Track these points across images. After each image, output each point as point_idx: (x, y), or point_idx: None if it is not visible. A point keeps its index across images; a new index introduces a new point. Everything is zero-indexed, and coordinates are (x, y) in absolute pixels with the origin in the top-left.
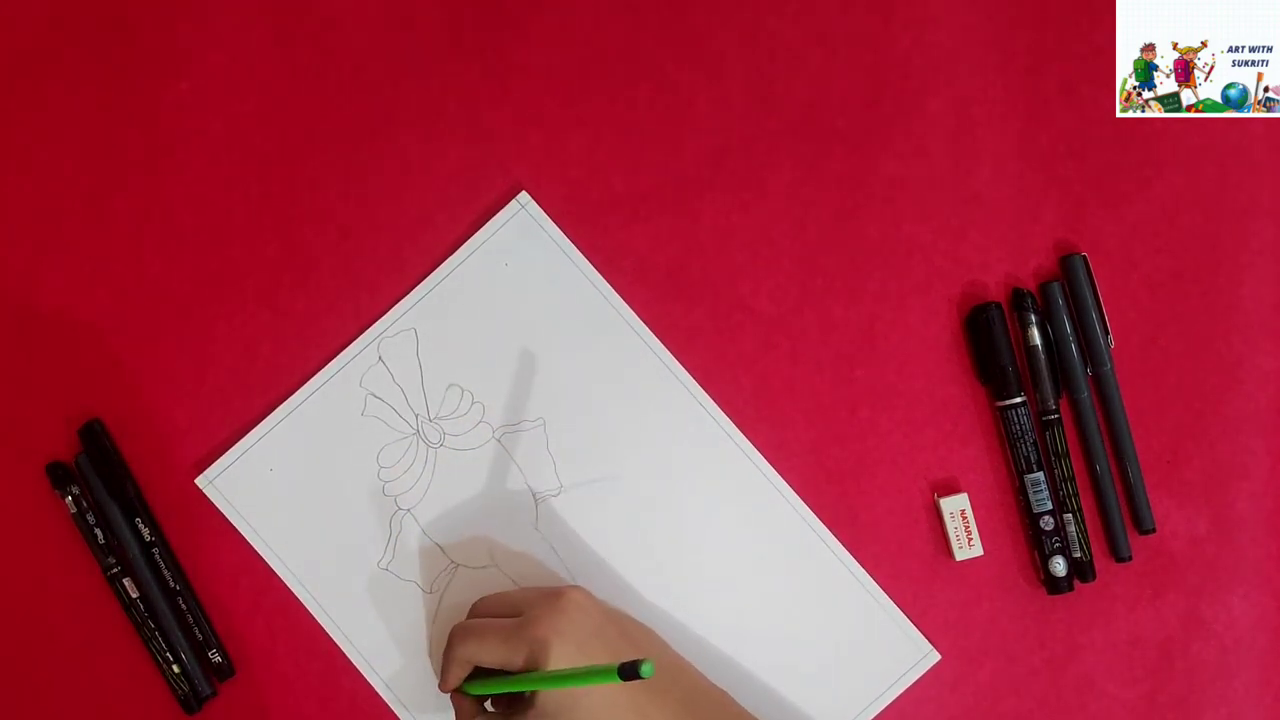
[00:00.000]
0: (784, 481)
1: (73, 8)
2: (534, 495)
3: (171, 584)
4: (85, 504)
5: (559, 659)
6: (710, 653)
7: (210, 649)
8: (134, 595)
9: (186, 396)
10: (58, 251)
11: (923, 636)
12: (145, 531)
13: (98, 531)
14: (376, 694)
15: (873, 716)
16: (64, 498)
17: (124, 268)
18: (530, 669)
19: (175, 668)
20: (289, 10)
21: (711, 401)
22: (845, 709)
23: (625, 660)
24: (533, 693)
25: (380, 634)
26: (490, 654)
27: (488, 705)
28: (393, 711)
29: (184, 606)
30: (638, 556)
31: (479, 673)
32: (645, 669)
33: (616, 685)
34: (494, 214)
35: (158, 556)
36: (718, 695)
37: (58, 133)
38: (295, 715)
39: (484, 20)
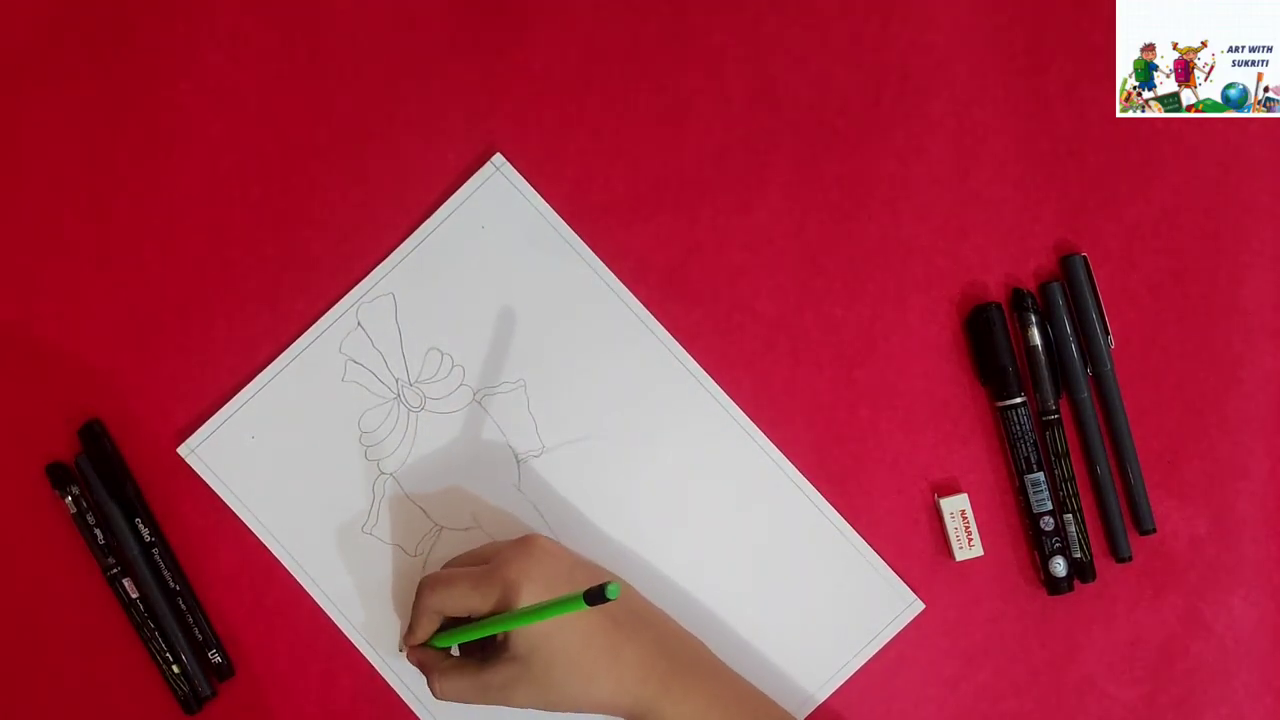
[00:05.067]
0: (764, 435)
1: (73, 8)
2: (516, 456)
3: (171, 584)
4: (85, 504)
5: (529, 600)
6: (693, 612)
7: (210, 649)
8: (134, 595)
9: (187, 397)
10: (58, 251)
11: (905, 585)
12: (145, 531)
13: (98, 531)
14: (377, 692)
15: (858, 667)
16: (64, 498)
17: (124, 268)
18: (499, 612)
19: (175, 668)
20: (289, 10)
21: (690, 358)
22: (828, 663)
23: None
24: (504, 637)
25: (363, 598)
26: (460, 600)
27: (453, 653)
28: (387, 706)
29: (184, 606)
30: (621, 515)
31: (444, 625)
32: (611, 589)
33: (589, 624)
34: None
35: (157, 556)
36: (692, 640)
37: (58, 133)
38: (295, 715)
39: (484, 20)
